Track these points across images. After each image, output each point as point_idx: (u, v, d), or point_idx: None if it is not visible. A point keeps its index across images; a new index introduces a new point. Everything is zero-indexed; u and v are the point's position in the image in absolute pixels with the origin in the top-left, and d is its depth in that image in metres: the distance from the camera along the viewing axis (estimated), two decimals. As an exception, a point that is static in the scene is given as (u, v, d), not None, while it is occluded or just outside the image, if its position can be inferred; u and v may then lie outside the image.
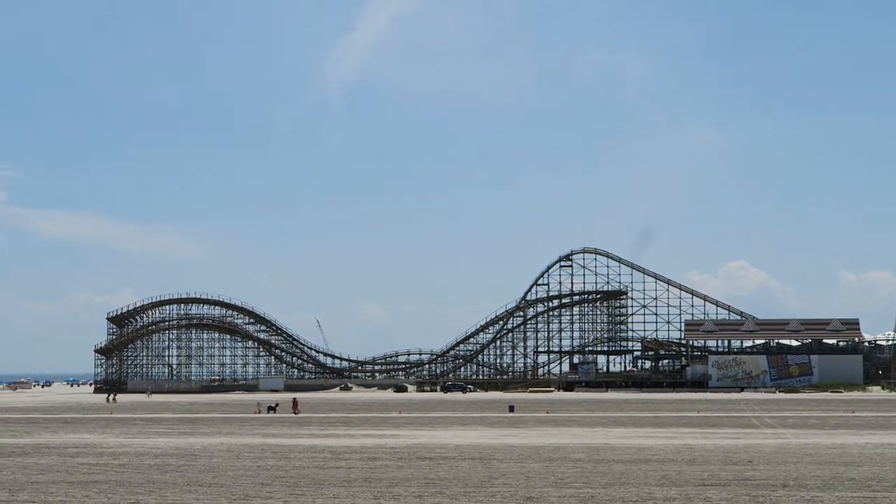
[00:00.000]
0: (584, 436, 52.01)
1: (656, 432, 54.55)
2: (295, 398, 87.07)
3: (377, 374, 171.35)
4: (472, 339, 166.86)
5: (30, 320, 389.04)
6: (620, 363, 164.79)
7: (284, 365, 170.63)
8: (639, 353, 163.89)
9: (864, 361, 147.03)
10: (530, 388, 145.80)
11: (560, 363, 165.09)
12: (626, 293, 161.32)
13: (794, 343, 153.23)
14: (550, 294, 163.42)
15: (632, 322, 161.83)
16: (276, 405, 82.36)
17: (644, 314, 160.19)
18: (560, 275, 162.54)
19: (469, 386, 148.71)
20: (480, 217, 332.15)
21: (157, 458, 39.94)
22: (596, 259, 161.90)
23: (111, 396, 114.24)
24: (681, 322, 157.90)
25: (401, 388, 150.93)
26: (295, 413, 77.77)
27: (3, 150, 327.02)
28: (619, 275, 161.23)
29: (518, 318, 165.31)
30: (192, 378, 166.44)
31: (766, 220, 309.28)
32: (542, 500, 27.09)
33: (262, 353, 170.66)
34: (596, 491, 28.70)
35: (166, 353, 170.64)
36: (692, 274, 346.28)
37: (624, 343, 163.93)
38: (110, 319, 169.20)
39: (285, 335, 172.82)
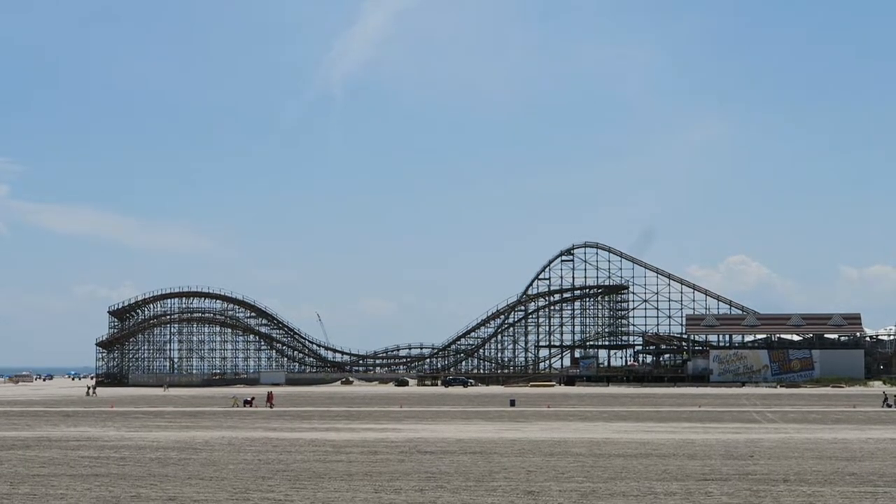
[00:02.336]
0: (586, 430, 51.99)
1: (657, 427, 54.55)
2: (270, 392, 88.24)
3: (378, 369, 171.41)
4: (473, 334, 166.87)
5: (31, 314, 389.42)
6: (622, 358, 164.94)
7: (286, 359, 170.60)
8: (640, 348, 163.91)
9: (865, 356, 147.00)
10: (531, 383, 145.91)
11: (561, 357, 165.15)
12: (627, 288, 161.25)
13: (796, 338, 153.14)
14: (552, 288, 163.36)
15: (633, 316, 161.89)
16: (253, 399, 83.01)
17: (645, 309, 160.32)
18: (561, 269, 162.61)
19: (470, 380, 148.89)
20: (482, 211, 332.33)
21: (158, 451, 39.92)
22: (597, 253, 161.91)
23: (91, 390, 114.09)
24: (682, 317, 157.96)
25: (402, 383, 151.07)
26: (270, 407, 78.32)
27: (5, 143, 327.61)
28: (621, 269, 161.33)
29: (519, 313, 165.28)
30: (194, 372, 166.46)
31: (767, 214, 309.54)
32: (544, 494, 27.07)
33: (263, 347, 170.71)
34: (597, 485, 28.68)
35: (167, 347, 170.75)
36: (693, 268, 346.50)
37: (625, 337, 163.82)
38: (112, 313, 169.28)
39: (287, 329, 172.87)
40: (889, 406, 78.26)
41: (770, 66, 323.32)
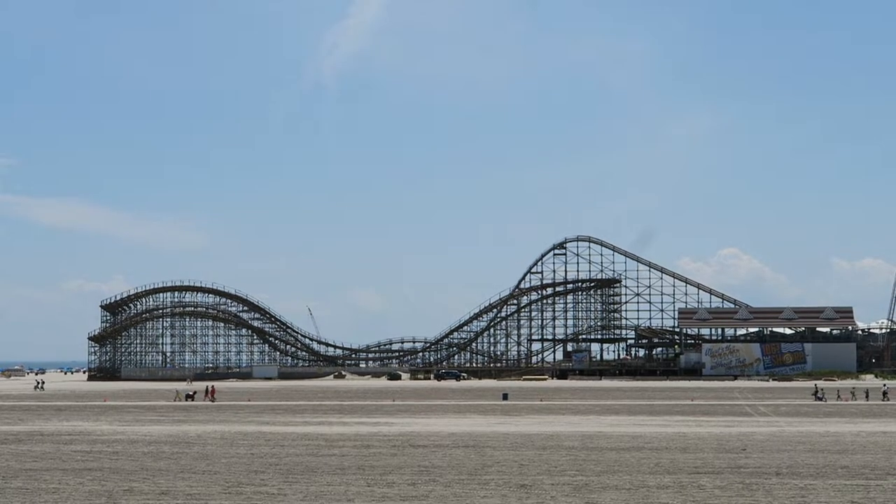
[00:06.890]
0: (578, 424, 52.05)
1: (650, 420, 54.63)
2: (212, 386, 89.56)
3: (371, 362, 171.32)
4: (466, 327, 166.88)
5: (24, 308, 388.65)
6: (614, 351, 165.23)
7: (278, 353, 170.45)
8: (632, 341, 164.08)
9: (857, 349, 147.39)
10: (524, 376, 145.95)
11: (554, 351, 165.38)
12: (619, 281, 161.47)
13: (788, 331, 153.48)
14: (544, 282, 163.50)
15: (625, 310, 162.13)
16: (195, 393, 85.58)
17: (637, 302, 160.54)
18: (554, 263, 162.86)
19: (463, 374, 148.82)
20: (475, 204, 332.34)
21: (150, 445, 39.89)
22: (590, 247, 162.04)
23: (40, 384, 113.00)
24: (674, 310, 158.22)
25: (395, 376, 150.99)
26: (212, 401, 79.12)
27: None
28: (613, 263, 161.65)
29: (512, 306, 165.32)
30: (186, 366, 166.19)
31: (758, 207, 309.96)
32: (536, 487, 27.09)
33: (255, 341, 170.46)
34: (589, 479, 28.71)
35: (160, 341, 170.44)
36: (685, 262, 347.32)
37: (618, 331, 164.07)
38: (104, 307, 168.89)
39: (279, 323, 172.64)
40: (819, 399, 78.22)
41: (761, 59, 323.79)
